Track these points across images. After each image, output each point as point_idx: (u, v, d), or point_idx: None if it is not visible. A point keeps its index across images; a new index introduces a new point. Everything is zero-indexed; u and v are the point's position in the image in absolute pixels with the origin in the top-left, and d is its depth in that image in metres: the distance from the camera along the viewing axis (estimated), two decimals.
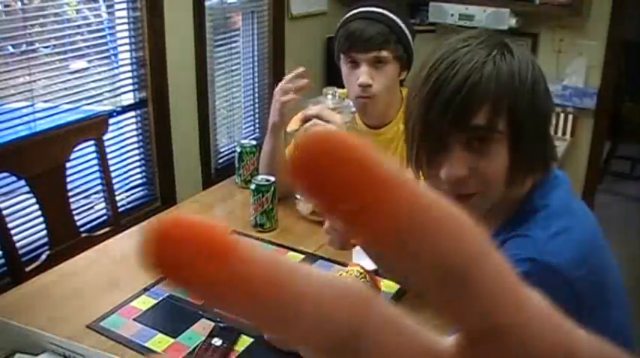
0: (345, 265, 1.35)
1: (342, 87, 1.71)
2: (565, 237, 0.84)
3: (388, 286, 1.33)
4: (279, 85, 1.58)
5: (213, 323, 1.19)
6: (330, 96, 1.56)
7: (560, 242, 0.83)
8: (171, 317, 1.23)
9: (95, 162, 2.17)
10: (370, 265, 1.33)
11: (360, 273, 1.25)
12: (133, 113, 2.62)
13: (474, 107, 0.83)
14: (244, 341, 1.15)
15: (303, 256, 1.47)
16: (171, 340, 1.15)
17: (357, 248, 1.47)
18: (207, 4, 2.85)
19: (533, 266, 0.80)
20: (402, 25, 1.61)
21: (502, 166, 0.86)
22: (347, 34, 1.57)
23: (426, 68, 0.87)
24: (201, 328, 1.19)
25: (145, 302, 1.27)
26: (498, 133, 0.85)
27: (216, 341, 1.13)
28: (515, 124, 0.85)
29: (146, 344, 1.14)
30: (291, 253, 1.48)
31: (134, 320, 1.21)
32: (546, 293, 0.74)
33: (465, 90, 0.82)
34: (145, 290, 1.31)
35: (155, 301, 1.28)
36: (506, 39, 0.90)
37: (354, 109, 1.58)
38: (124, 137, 2.60)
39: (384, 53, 1.57)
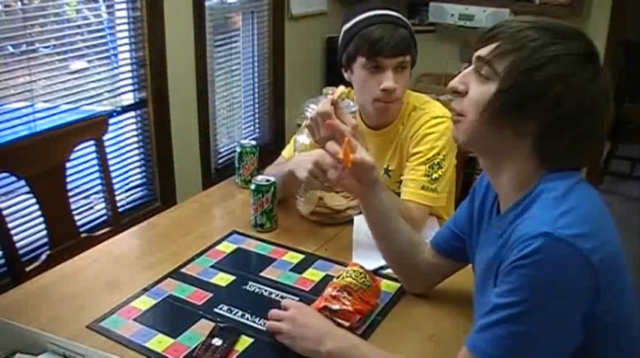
0: (345, 265, 1.35)
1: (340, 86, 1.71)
2: (574, 213, 0.87)
3: (388, 286, 1.33)
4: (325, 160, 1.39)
5: (213, 324, 1.19)
6: (330, 97, 1.55)
7: (571, 217, 0.86)
8: (171, 318, 1.23)
9: (95, 162, 2.17)
10: (370, 265, 1.33)
11: (360, 273, 1.25)
12: (132, 113, 2.63)
13: (489, 41, 0.96)
14: (244, 342, 1.15)
15: (303, 256, 1.47)
16: (172, 340, 1.15)
17: (357, 249, 1.47)
18: (207, 4, 2.85)
19: (546, 239, 0.82)
20: (412, 28, 1.63)
21: (484, 97, 0.95)
22: (372, 39, 1.55)
23: None
24: (201, 328, 1.18)
25: (144, 303, 1.27)
26: (493, 71, 0.94)
27: (217, 342, 1.12)
28: (509, 73, 0.93)
29: (146, 345, 1.13)
30: (291, 253, 1.48)
31: (134, 320, 1.21)
32: (562, 265, 0.79)
33: (495, 29, 0.96)
34: (145, 290, 1.31)
35: (155, 301, 1.27)
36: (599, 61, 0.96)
37: (354, 109, 1.57)
38: (124, 137, 2.60)
39: (408, 58, 1.58)
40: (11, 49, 2.12)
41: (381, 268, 1.37)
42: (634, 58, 4.03)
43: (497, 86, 0.93)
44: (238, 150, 1.84)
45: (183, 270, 1.40)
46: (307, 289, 1.34)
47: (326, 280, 1.34)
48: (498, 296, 0.88)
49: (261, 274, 1.39)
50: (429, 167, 1.58)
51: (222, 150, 3.19)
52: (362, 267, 1.28)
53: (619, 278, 0.89)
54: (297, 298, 1.29)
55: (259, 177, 1.60)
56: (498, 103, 0.93)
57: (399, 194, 1.61)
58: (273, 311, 1.17)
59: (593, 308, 0.85)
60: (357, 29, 1.59)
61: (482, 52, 0.96)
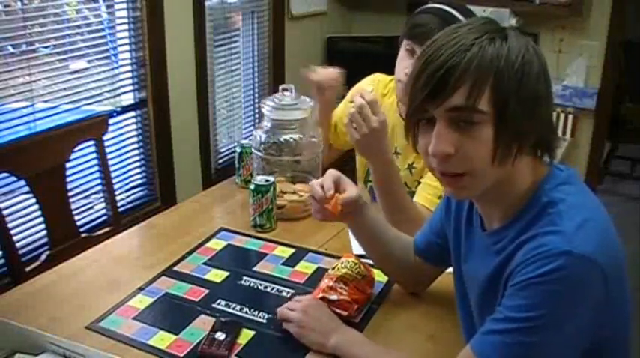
0: (334, 257, 1.41)
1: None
2: (589, 226, 0.86)
3: (381, 275, 1.34)
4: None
5: (212, 319, 1.20)
6: (287, 93, 1.70)
7: (587, 231, 0.85)
8: (170, 315, 1.23)
9: (95, 162, 2.17)
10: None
11: (355, 264, 1.28)
12: (133, 113, 2.62)
13: (452, 86, 0.85)
14: (246, 335, 1.16)
15: (293, 250, 1.49)
16: (174, 336, 1.15)
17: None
18: (207, 4, 2.85)
19: (568, 258, 0.81)
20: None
21: (487, 147, 0.86)
22: (411, 24, 1.57)
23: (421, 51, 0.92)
24: (201, 323, 1.19)
25: (141, 301, 1.27)
26: (480, 113, 0.85)
27: (220, 335, 1.13)
28: (499, 105, 0.85)
29: (149, 342, 1.14)
30: (281, 247, 1.50)
31: (133, 318, 1.21)
32: (584, 281, 0.83)
33: (444, 69, 0.85)
34: (140, 289, 1.32)
35: (152, 299, 1.28)
36: (506, 27, 0.90)
37: (312, 104, 1.69)
38: (124, 137, 2.60)
39: None
40: (11, 49, 2.12)
41: None
42: (634, 58, 4.03)
43: (494, 124, 0.85)
44: (238, 150, 1.84)
45: (176, 268, 1.41)
46: (302, 281, 1.36)
47: (319, 272, 1.37)
48: (510, 310, 0.86)
49: (255, 269, 1.41)
50: None
51: (222, 150, 3.18)
52: (356, 258, 1.31)
53: (623, 289, 0.89)
54: (293, 290, 1.31)
55: (259, 178, 1.60)
56: (505, 139, 0.86)
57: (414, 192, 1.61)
58: (288, 303, 1.21)
59: (600, 318, 0.86)
60: (415, 13, 1.61)
61: (455, 101, 0.85)
